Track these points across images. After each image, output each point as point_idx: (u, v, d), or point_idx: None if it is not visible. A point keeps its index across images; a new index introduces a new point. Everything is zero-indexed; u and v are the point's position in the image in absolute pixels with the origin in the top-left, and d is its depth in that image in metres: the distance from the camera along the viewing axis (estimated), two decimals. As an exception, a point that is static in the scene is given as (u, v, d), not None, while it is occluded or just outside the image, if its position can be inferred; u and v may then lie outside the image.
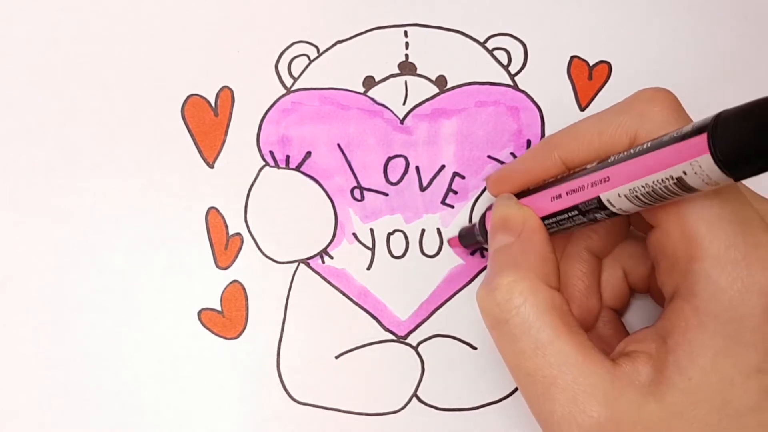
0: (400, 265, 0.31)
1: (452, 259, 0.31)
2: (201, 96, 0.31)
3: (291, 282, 0.31)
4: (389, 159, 0.31)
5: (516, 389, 0.31)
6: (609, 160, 0.23)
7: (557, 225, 0.25)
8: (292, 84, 0.31)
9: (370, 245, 0.31)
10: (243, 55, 0.32)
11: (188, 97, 0.31)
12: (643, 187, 0.21)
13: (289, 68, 0.32)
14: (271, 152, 0.31)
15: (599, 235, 0.28)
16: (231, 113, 0.31)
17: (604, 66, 0.32)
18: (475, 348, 0.31)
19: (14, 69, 0.31)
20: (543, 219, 0.25)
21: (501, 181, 0.28)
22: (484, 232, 0.28)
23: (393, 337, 0.31)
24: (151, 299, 0.31)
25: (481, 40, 0.32)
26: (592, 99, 0.32)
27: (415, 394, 0.31)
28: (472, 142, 0.31)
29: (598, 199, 0.23)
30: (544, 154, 0.26)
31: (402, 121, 0.31)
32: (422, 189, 0.31)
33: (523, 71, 0.32)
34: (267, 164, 0.31)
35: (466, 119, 0.31)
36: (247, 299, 0.31)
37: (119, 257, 0.31)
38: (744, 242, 0.21)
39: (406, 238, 0.31)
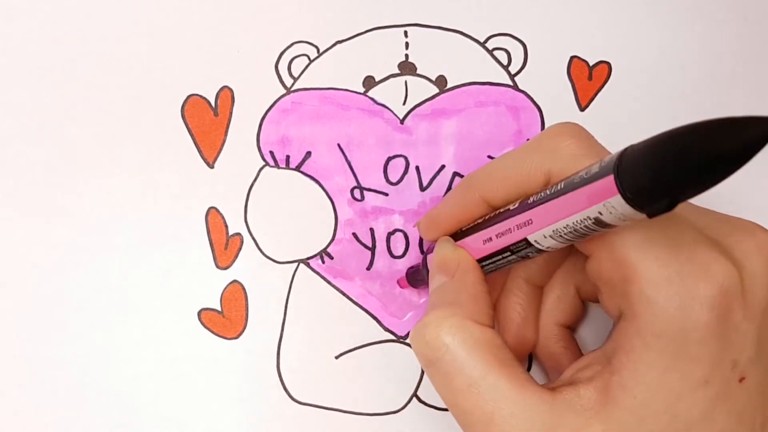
0: (400, 265, 0.31)
1: (452, 259, 0.31)
2: (201, 96, 0.31)
3: (291, 282, 0.31)
4: (389, 159, 0.31)
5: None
6: (529, 201, 0.23)
7: (494, 265, 0.26)
8: (292, 84, 0.32)
9: (370, 245, 0.31)
10: (243, 55, 0.32)
11: (188, 97, 0.31)
12: (565, 227, 0.21)
13: (289, 68, 0.32)
14: (271, 152, 0.31)
15: (537, 264, 0.28)
16: (231, 113, 0.31)
17: (604, 66, 0.32)
18: (475, 348, 0.31)
19: (14, 69, 0.31)
20: (480, 260, 0.26)
21: (431, 226, 0.28)
22: (427, 271, 0.29)
23: (393, 337, 0.31)
24: (151, 299, 0.31)
25: (481, 40, 0.32)
26: (592, 99, 0.32)
27: (415, 394, 0.31)
28: (472, 142, 0.31)
29: (526, 240, 0.23)
30: (466, 195, 0.26)
31: (402, 121, 0.31)
32: (422, 189, 0.31)
33: (523, 71, 0.32)
34: (267, 164, 0.31)
35: (466, 119, 0.31)
36: (247, 299, 0.31)
37: (119, 257, 0.31)
38: (676, 258, 0.21)
39: (406, 238, 0.31)
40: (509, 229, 0.24)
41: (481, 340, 0.23)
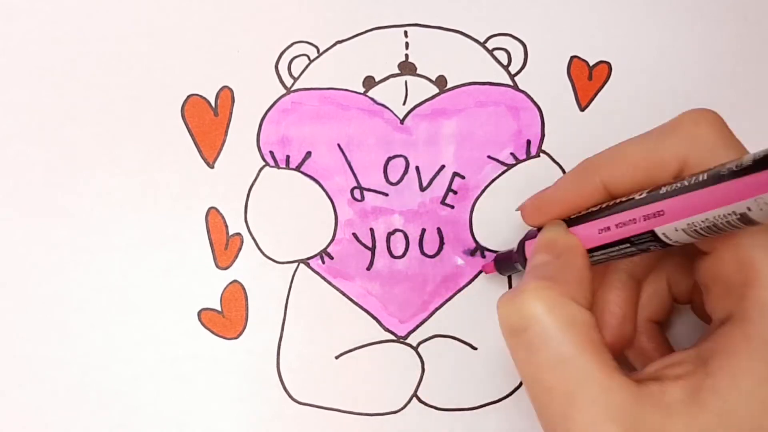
0: (400, 265, 0.31)
1: (452, 259, 0.31)
2: (201, 96, 0.31)
3: (291, 282, 0.31)
4: (389, 159, 0.31)
5: (516, 389, 0.31)
6: (661, 192, 0.22)
7: (606, 256, 0.24)
8: (292, 84, 0.32)
9: (370, 245, 0.31)
10: (243, 55, 0.32)
11: (188, 97, 0.31)
12: (703, 221, 0.21)
13: (289, 68, 0.32)
14: (271, 152, 0.31)
15: (641, 258, 0.27)
16: (231, 113, 0.31)
17: (604, 66, 0.32)
18: (475, 348, 0.31)
19: (14, 69, 0.31)
20: (590, 251, 0.25)
21: (537, 211, 0.27)
22: (522, 259, 0.27)
23: (393, 338, 0.31)
24: (151, 299, 0.31)
25: (481, 40, 0.32)
26: (592, 99, 0.32)
27: (415, 394, 0.31)
28: (472, 142, 0.31)
29: (653, 232, 0.22)
30: (584, 178, 0.25)
31: (402, 121, 0.31)
32: (422, 189, 0.31)
33: (523, 71, 0.32)
34: (267, 164, 0.31)
35: (466, 119, 0.31)
36: (247, 299, 0.31)
37: (119, 257, 0.31)
38: None
39: (406, 238, 0.31)
40: (634, 219, 0.23)
41: (577, 319, 0.22)
